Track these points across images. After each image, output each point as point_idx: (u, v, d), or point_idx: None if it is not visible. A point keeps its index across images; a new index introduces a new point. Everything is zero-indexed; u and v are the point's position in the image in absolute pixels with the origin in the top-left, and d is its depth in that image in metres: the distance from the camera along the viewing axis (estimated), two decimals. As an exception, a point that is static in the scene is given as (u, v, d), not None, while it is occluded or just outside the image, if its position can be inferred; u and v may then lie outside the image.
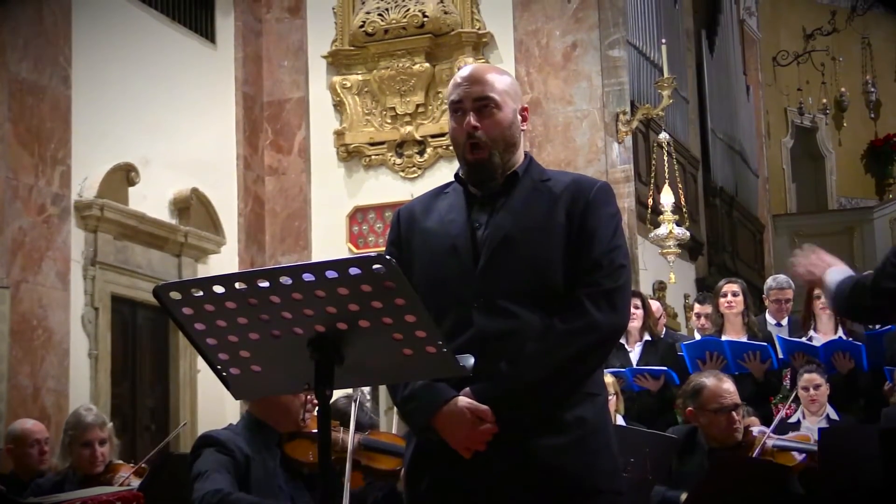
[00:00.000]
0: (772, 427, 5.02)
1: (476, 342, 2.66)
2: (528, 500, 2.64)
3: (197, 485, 3.41)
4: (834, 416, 6.08)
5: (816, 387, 6.03)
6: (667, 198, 8.99)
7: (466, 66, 2.91)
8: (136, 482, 4.93)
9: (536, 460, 2.63)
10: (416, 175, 9.91)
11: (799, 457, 4.95)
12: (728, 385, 4.74)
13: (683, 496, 4.56)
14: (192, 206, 9.24)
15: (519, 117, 2.84)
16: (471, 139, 2.77)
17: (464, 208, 2.81)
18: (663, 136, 9.63)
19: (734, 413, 4.70)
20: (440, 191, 2.92)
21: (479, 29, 9.85)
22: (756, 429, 5.01)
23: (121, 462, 5.31)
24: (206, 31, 9.97)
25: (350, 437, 3.73)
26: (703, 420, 4.71)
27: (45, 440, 5.96)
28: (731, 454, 4.69)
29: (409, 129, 9.94)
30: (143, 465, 5.21)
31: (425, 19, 9.82)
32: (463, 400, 2.65)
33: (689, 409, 4.79)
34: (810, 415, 6.05)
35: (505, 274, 2.71)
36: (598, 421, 2.74)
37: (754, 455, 4.77)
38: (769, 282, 7.34)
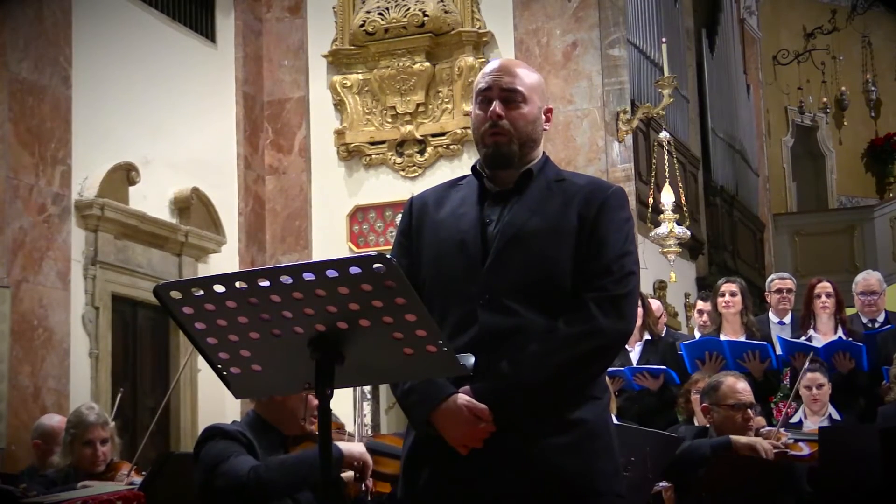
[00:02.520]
0: (780, 424, 5.07)
1: (479, 339, 2.66)
2: (527, 500, 2.64)
3: (223, 467, 3.36)
4: (836, 415, 6.08)
5: (819, 386, 6.03)
6: (667, 197, 8.99)
7: (497, 59, 2.91)
8: (137, 479, 4.94)
9: (536, 461, 2.63)
10: (416, 174, 9.91)
11: (805, 450, 4.97)
12: (744, 384, 4.88)
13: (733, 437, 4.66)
14: (193, 206, 9.24)
15: (543, 116, 2.84)
16: (493, 127, 2.77)
17: (476, 202, 2.81)
18: (664, 135, 9.63)
19: (750, 410, 4.77)
20: (455, 182, 2.91)
21: (479, 28, 9.85)
22: (765, 429, 5.04)
23: (122, 461, 5.30)
24: (206, 30, 9.97)
25: (356, 436, 3.73)
26: (719, 416, 4.77)
27: None
28: (728, 454, 4.70)
29: (409, 128, 9.93)
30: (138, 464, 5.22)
31: (425, 18, 9.82)
32: (462, 397, 2.64)
33: (705, 405, 4.84)
34: (812, 414, 6.05)
35: (512, 272, 2.70)
36: (600, 423, 2.73)
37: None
38: (771, 276, 7.41)
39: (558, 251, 2.71)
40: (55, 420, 6.00)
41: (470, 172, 2.90)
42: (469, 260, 2.73)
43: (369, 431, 7.80)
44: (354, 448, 3.40)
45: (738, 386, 4.84)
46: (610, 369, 6.15)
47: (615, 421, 5.38)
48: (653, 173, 10.00)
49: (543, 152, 2.88)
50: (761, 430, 5.01)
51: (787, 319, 7.08)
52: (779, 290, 7.09)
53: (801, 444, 4.96)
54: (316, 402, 3.49)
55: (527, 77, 2.82)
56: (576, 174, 2.93)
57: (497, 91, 2.78)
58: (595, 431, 2.69)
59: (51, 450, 5.80)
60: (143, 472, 5.19)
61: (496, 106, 2.76)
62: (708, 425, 5.05)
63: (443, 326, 2.57)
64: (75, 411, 5.36)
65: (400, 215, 2.97)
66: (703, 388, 5.02)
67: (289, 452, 3.61)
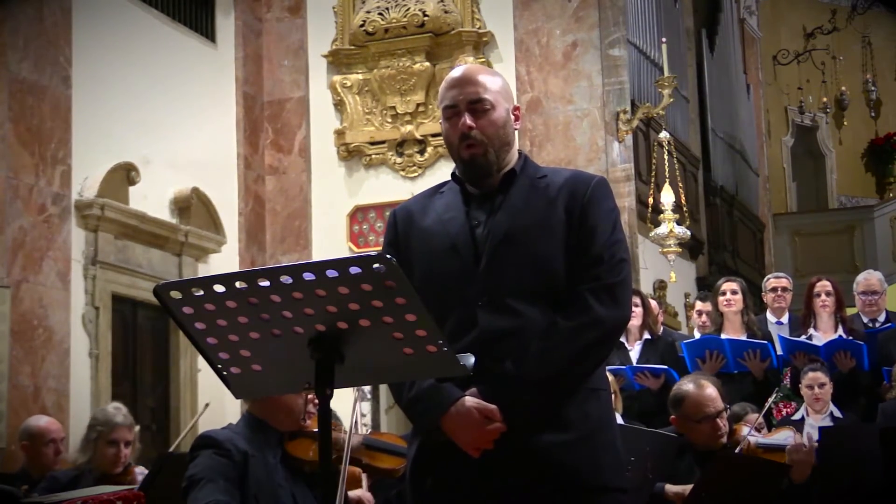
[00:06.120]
0: (751, 428, 4.96)
1: (481, 341, 2.66)
2: (534, 497, 2.64)
3: (192, 494, 3.40)
4: (837, 413, 6.08)
5: (821, 385, 6.02)
6: (667, 197, 8.99)
7: (457, 69, 2.88)
8: None
9: (542, 457, 2.63)
10: (416, 174, 9.92)
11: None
12: (710, 391, 4.66)
13: (667, 487, 4.55)
14: (193, 206, 9.24)
15: (512, 116, 2.84)
16: (466, 139, 2.77)
17: (461, 207, 2.82)
18: (664, 135, 9.63)
19: (717, 420, 4.64)
20: (436, 190, 2.92)
21: (479, 28, 9.85)
22: (745, 430, 4.96)
23: (134, 465, 5.28)
24: (206, 30, 9.97)
25: (348, 436, 3.73)
26: (687, 428, 4.68)
27: (61, 440, 5.95)
28: (728, 453, 4.68)
29: (409, 128, 9.94)
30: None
31: (425, 18, 9.82)
32: (470, 400, 2.65)
33: (673, 416, 4.76)
34: (814, 413, 6.05)
35: (508, 272, 2.71)
36: (603, 417, 2.74)
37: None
38: (767, 277, 7.43)
39: (550, 246, 2.72)
40: (42, 421, 5.99)
41: (450, 179, 2.90)
42: (462, 263, 2.74)
43: (368, 429, 7.81)
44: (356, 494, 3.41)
45: (704, 395, 4.63)
46: (611, 367, 6.17)
47: (620, 421, 5.38)
48: (653, 173, 10.00)
49: (520, 151, 2.89)
50: (742, 431, 4.93)
51: (785, 319, 7.08)
52: (774, 289, 7.09)
53: (774, 450, 4.89)
54: (311, 397, 3.53)
55: (490, 82, 2.81)
56: (556, 169, 2.93)
57: (464, 104, 2.78)
58: (600, 425, 2.71)
59: (39, 452, 5.80)
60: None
61: (466, 118, 2.76)
62: None
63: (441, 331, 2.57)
64: (101, 410, 5.33)
65: None
66: (669, 398, 4.86)
67: (285, 449, 3.61)
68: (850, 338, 6.51)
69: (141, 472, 5.06)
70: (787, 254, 14.71)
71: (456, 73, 2.85)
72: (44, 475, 5.58)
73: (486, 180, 2.81)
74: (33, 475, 5.66)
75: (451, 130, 2.80)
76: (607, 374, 2.98)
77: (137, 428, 5.27)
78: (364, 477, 3.66)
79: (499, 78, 2.87)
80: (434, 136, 9.83)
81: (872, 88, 16.83)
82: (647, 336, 6.84)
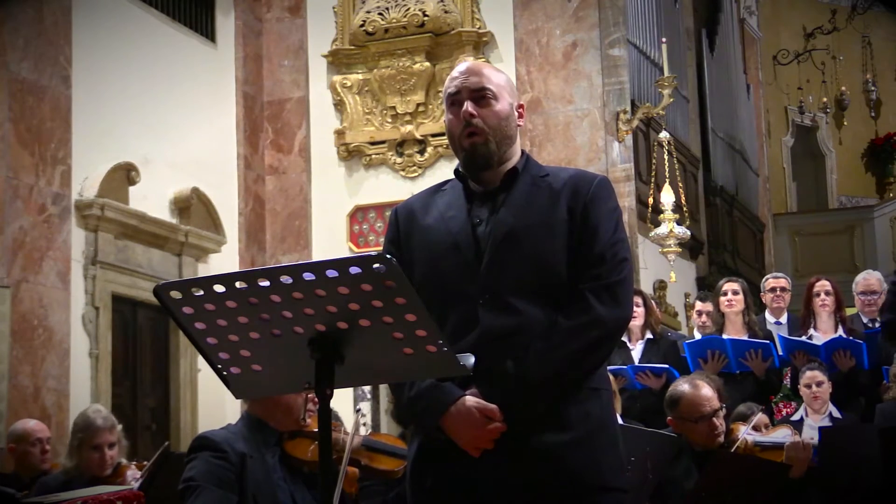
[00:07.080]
0: (748, 427, 4.95)
1: (482, 340, 2.66)
2: (534, 497, 2.64)
3: (187, 501, 3.40)
4: (836, 413, 6.08)
5: (819, 384, 6.02)
6: (667, 197, 8.99)
7: (463, 62, 2.92)
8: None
9: (543, 457, 2.63)
10: (416, 174, 9.92)
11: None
12: (706, 391, 4.67)
13: None
14: (193, 206, 9.25)
15: (515, 112, 2.84)
16: (468, 127, 2.77)
17: (463, 204, 2.81)
18: (664, 135, 9.62)
19: (714, 419, 4.64)
20: (438, 188, 2.91)
21: (479, 28, 9.85)
22: (742, 429, 4.95)
23: (127, 463, 5.28)
24: (206, 30, 9.97)
25: (350, 438, 3.73)
26: (684, 428, 4.68)
27: (47, 439, 5.97)
28: (726, 453, 4.68)
29: (409, 128, 9.94)
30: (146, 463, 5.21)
31: (425, 18, 9.82)
32: (471, 399, 2.64)
33: (669, 418, 4.76)
34: (813, 412, 6.05)
35: (510, 270, 2.70)
36: (604, 417, 2.73)
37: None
38: (765, 277, 7.43)
39: (552, 245, 2.72)
40: (30, 423, 6.01)
41: (453, 176, 2.90)
42: (464, 261, 2.74)
43: (368, 429, 7.81)
44: None
45: (700, 396, 4.63)
46: (612, 367, 6.16)
47: (619, 421, 5.36)
48: (653, 173, 10.00)
49: (523, 150, 2.89)
50: (740, 431, 4.92)
51: (784, 319, 7.08)
52: (772, 290, 7.10)
53: (772, 448, 4.88)
54: (311, 396, 3.52)
55: (494, 76, 2.83)
56: (559, 168, 2.93)
57: (467, 92, 2.78)
58: (600, 425, 2.70)
59: (26, 452, 5.82)
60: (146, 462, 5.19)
61: (468, 106, 2.77)
62: None
63: (442, 329, 2.57)
64: (82, 414, 5.32)
65: None
66: (665, 399, 4.86)
67: (284, 448, 3.61)
68: (850, 337, 6.51)
69: (133, 474, 5.06)
70: (787, 254, 14.71)
71: (461, 65, 2.87)
72: (33, 475, 5.59)
73: (487, 173, 2.81)
74: (23, 476, 5.67)
75: (453, 120, 2.81)
76: (608, 374, 2.98)
77: (120, 427, 5.24)
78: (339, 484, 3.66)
79: (504, 74, 2.88)
80: (434, 136, 9.83)
81: (872, 88, 16.84)
82: (648, 336, 6.83)
